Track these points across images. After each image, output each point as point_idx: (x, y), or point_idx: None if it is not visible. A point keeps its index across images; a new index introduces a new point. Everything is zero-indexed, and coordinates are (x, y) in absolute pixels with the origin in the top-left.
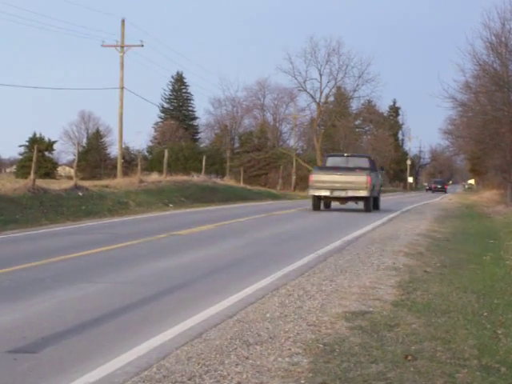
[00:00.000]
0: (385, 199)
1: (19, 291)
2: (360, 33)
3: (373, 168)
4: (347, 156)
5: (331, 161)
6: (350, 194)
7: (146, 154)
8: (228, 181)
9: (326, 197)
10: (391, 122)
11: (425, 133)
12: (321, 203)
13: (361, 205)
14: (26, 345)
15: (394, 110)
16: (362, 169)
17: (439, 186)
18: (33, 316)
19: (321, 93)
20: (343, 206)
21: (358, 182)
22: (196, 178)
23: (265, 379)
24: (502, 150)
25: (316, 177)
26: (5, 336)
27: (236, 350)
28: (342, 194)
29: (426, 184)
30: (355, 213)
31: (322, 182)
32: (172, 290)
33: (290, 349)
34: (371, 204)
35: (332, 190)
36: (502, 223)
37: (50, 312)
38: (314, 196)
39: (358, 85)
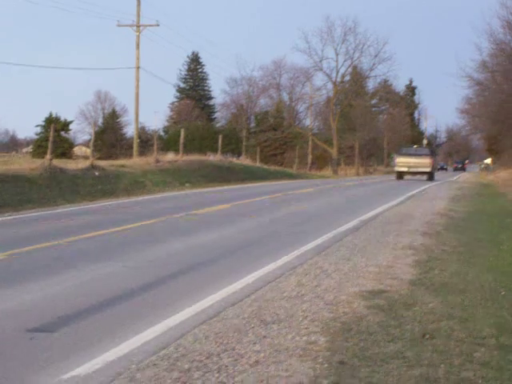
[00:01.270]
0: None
1: (37, 271)
2: (376, 12)
3: (432, 154)
4: (416, 147)
5: (405, 150)
6: (420, 170)
7: (162, 133)
8: (244, 160)
9: (404, 172)
10: (407, 101)
11: (441, 112)
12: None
13: (384, 186)
14: (44, 324)
15: (411, 90)
16: (426, 155)
17: (459, 166)
18: (51, 296)
19: (337, 72)
20: (367, 184)
21: (424, 163)
22: (212, 158)
23: (282, 358)
24: None
25: (398, 159)
26: (23, 315)
27: (253, 329)
28: (414, 170)
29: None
30: (372, 192)
31: (402, 162)
32: (189, 270)
33: (307, 328)
34: (432, 176)
35: (408, 167)
36: None
37: (67, 292)
38: (398, 171)
39: (374, 64)
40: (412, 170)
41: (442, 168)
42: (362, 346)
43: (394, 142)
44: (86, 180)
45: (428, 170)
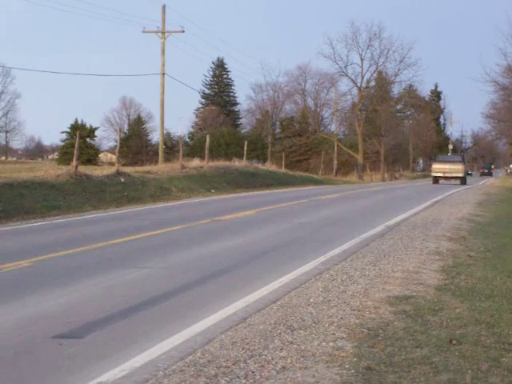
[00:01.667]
0: (427, 184)
1: (63, 277)
2: (401, 17)
3: (463, 161)
4: (450, 155)
5: (440, 158)
6: (453, 175)
7: (188, 139)
8: (269, 166)
9: (440, 177)
10: (433, 106)
11: (466, 117)
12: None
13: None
14: (71, 330)
15: (436, 95)
16: (458, 161)
17: (486, 171)
18: (77, 301)
19: (362, 77)
20: (393, 189)
21: (457, 169)
22: (237, 164)
23: (309, 364)
24: None
25: (435, 165)
26: (50, 321)
27: (280, 335)
28: (449, 175)
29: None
30: (398, 197)
31: (438, 168)
32: (215, 276)
33: (333, 333)
34: (465, 180)
35: (443, 173)
36: None
37: (94, 297)
38: (434, 176)
39: (399, 69)
40: (447, 175)
41: (485, 174)
42: (389, 351)
43: (419, 147)
44: (111, 186)
45: (461, 175)
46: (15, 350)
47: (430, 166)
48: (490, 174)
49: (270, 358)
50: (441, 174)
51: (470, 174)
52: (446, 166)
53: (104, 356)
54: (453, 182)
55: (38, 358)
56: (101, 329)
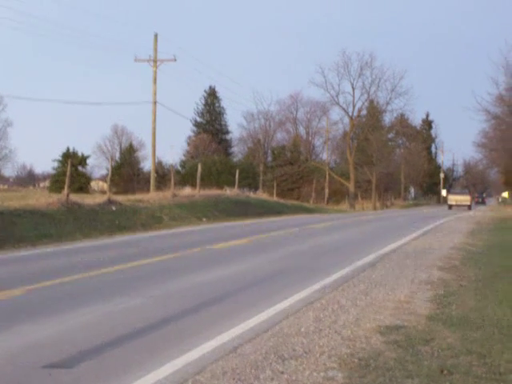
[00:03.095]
0: (418, 212)
1: (56, 305)
2: (392, 46)
3: (470, 193)
4: (460, 189)
5: (453, 191)
6: (463, 203)
7: (179, 168)
8: (261, 195)
9: (453, 204)
10: (424, 135)
11: (458, 146)
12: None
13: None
14: (62, 360)
15: (427, 123)
16: (466, 193)
17: (480, 200)
18: (69, 331)
19: (353, 106)
20: (385, 218)
21: (466, 199)
22: (229, 192)
23: None
24: None
25: (450, 196)
26: (41, 351)
27: (271, 365)
28: (460, 203)
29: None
30: (389, 226)
31: (453, 198)
32: (207, 305)
33: (325, 363)
34: (471, 207)
35: (456, 201)
36: None
37: (86, 326)
38: (449, 204)
39: (390, 98)
40: (458, 203)
41: (479, 202)
42: (380, 382)
43: (410, 176)
44: (103, 215)
45: (468, 203)
46: (3, 381)
47: (425, 194)
48: (483, 203)
49: None
50: (454, 203)
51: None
52: (458, 197)
53: None
54: (461, 208)
55: None
56: (92, 358)
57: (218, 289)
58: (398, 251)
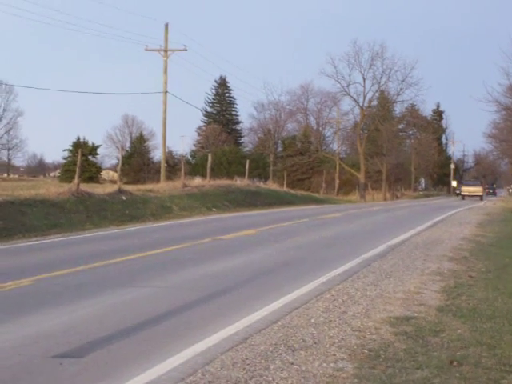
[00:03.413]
0: (428, 203)
1: (64, 296)
2: (404, 36)
3: (482, 184)
4: (472, 180)
5: (466, 182)
6: (476, 194)
7: (190, 158)
8: (271, 185)
9: (466, 195)
10: (435, 125)
11: (469, 137)
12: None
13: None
14: (72, 349)
15: (438, 114)
16: (478, 184)
17: (491, 191)
18: (78, 321)
19: (364, 97)
20: (395, 209)
21: (478, 190)
22: (239, 183)
23: None
24: None
25: (463, 187)
26: (50, 341)
27: (281, 356)
28: (472, 193)
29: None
30: (400, 217)
31: (465, 189)
32: (216, 295)
33: (334, 354)
34: (482, 198)
35: (469, 192)
36: None
37: (95, 317)
38: (462, 195)
39: (401, 89)
40: (471, 193)
41: (490, 193)
42: (390, 373)
43: (421, 166)
44: (113, 205)
45: (480, 193)
46: (14, 370)
47: (436, 185)
48: (494, 194)
49: (270, 378)
50: (467, 193)
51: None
52: (471, 188)
53: (104, 376)
54: (473, 198)
55: (38, 378)
56: (101, 348)
57: (227, 279)
58: (408, 242)
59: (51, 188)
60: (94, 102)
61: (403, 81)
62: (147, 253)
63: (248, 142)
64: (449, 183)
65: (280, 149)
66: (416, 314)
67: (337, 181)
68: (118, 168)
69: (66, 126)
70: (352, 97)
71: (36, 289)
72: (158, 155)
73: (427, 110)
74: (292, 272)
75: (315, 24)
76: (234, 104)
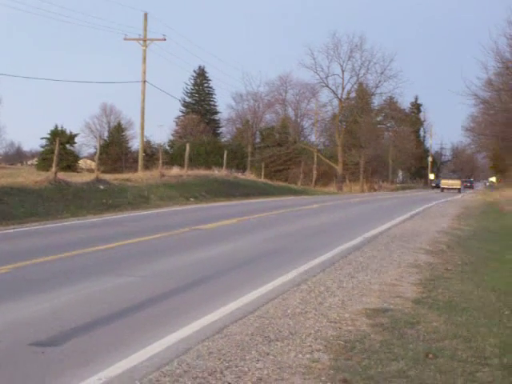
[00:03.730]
0: (406, 196)
1: (44, 283)
2: (383, 29)
3: (460, 177)
4: (451, 173)
5: (444, 176)
6: (454, 186)
7: (168, 147)
8: (249, 176)
9: (445, 187)
10: (413, 118)
11: (446, 130)
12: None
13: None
14: (50, 337)
15: (416, 107)
16: (456, 178)
17: (468, 184)
18: (57, 308)
19: (343, 89)
20: (372, 201)
21: (456, 183)
22: (217, 173)
23: (285, 375)
24: None
25: (442, 181)
26: (29, 328)
27: (257, 346)
28: (451, 186)
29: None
30: (377, 209)
31: (444, 182)
32: (194, 285)
33: (310, 345)
34: (460, 190)
35: (447, 185)
36: None
37: (74, 304)
38: (442, 187)
39: (380, 81)
40: (449, 186)
41: (438, 186)
42: (365, 364)
43: (399, 159)
44: (90, 193)
45: (458, 186)
46: None
47: (413, 177)
48: (472, 187)
49: (246, 369)
50: (446, 186)
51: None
52: (449, 181)
53: (82, 364)
54: (452, 191)
55: (15, 365)
56: (80, 336)
57: (205, 269)
58: (385, 234)
59: (29, 176)
60: (72, 91)
61: (382, 73)
62: (126, 242)
63: (226, 133)
64: (426, 176)
65: (258, 140)
66: (392, 306)
67: (314, 172)
68: (96, 157)
69: (43, 114)
70: (330, 88)
71: (14, 277)
72: (135, 144)
73: (405, 103)
74: (270, 262)
75: (294, 15)
76: (212, 94)
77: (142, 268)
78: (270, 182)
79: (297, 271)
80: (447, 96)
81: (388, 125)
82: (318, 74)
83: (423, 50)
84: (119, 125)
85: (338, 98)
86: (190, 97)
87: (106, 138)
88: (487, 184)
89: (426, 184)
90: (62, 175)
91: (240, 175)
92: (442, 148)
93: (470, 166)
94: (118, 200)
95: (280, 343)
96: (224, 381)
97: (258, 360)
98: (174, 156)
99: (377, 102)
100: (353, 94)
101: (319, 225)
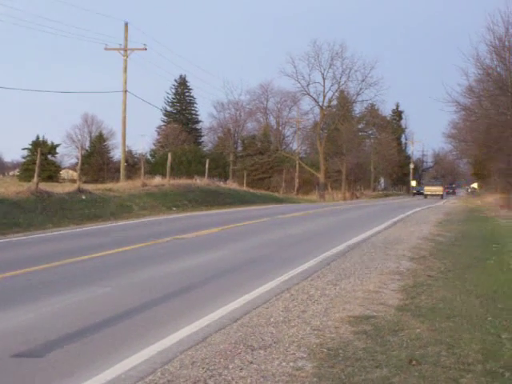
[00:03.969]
0: (388, 203)
1: (25, 295)
2: (363, 37)
3: (442, 184)
4: (433, 180)
5: (428, 183)
6: (436, 193)
7: (149, 157)
8: (231, 184)
9: (428, 194)
10: (394, 125)
11: (428, 137)
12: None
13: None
14: (31, 349)
15: (397, 114)
16: (439, 185)
17: (451, 190)
18: (39, 320)
19: (324, 96)
20: (354, 209)
21: (438, 189)
22: (199, 182)
23: None
24: (506, 154)
25: (426, 187)
26: (10, 340)
27: (240, 355)
28: (434, 193)
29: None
30: (360, 216)
31: (428, 189)
32: (176, 294)
33: (294, 353)
34: (443, 196)
35: (431, 191)
36: (505, 227)
37: (56, 316)
38: (425, 194)
39: (361, 88)
40: (432, 193)
41: (418, 193)
42: (349, 371)
43: (380, 166)
44: (73, 204)
45: (441, 193)
46: None
47: (395, 185)
48: (453, 193)
49: (229, 378)
50: (429, 193)
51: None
52: (432, 188)
53: (64, 375)
54: (435, 197)
55: None
56: (61, 347)
57: (188, 278)
58: (368, 241)
59: (10, 187)
60: (53, 101)
61: (363, 81)
62: (108, 252)
63: (208, 142)
64: (408, 183)
65: (240, 148)
66: (375, 313)
67: (296, 180)
68: (78, 167)
69: (25, 124)
70: (312, 96)
71: None
72: (117, 154)
73: (387, 110)
74: (253, 271)
75: (275, 23)
76: (193, 103)
77: (123, 278)
78: (252, 190)
79: (279, 279)
80: (428, 103)
81: (369, 132)
82: (299, 82)
83: (404, 57)
84: (101, 135)
85: (319, 105)
86: (171, 106)
87: (87, 148)
88: (469, 190)
89: (408, 191)
90: (43, 186)
91: (222, 184)
92: (423, 155)
93: (452, 173)
94: (100, 210)
95: (263, 352)
96: None
97: (242, 369)
98: (155, 165)
99: (358, 109)
100: (334, 102)
101: (302, 233)
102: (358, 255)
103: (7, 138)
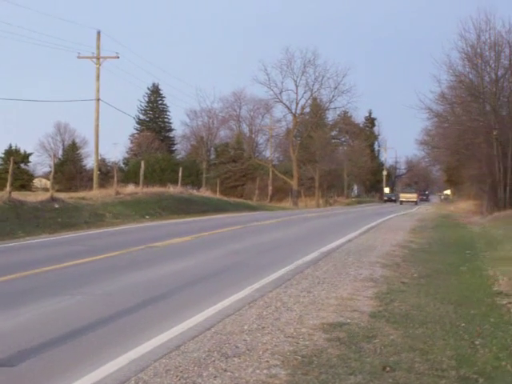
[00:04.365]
0: (361, 210)
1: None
2: (336, 44)
3: (416, 192)
4: (409, 188)
5: (403, 190)
6: (411, 199)
7: (122, 165)
8: (204, 192)
9: (403, 201)
10: (367, 132)
11: (401, 143)
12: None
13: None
14: (3, 358)
15: (370, 121)
16: (413, 192)
17: (424, 197)
18: (11, 329)
19: (297, 104)
20: (328, 216)
21: (413, 196)
22: (172, 190)
23: None
24: (478, 160)
25: (401, 194)
26: None
27: (214, 363)
28: (409, 199)
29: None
30: (333, 223)
31: (403, 196)
32: (150, 302)
33: (267, 361)
34: (417, 203)
35: (405, 198)
36: (478, 233)
37: (28, 324)
38: (401, 200)
39: (333, 96)
40: (408, 199)
41: (390, 200)
42: (323, 379)
43: (353, 173)
44: (45, 212)
45: (415, 199)
46: None
47: (368, 191)
48: (427, 200)
49: None
50: (404, 199)
51: (394, 201)
52: (407, 195)
53: None
54: (409, 203)
55: None
56: (34, 357)
57: (161, 287)
58: (341, 249)
59: None
60: (25, 110)
61: (335, 88)
62: (81, 260)
63: (181, 150)
64: (381, 190)
65: (213, 156)
66: (349, 320)
67: (270, 188)
68: (51, 176)
69: None
70: (285, 104)
71: None
72: (90, 163)
73: (360, 117)
74: (226, 279)
75: (247, 31)
76: (166, 111)
77: (96, 287)
78: (225, 198)
79: (253, 287)
80: (401, 110)
81: (342, 139)
82: (272, 90)
83: (377, 64)
84: (73, 143)
85: (292, 113)
86: (144, 114)
87: (60, 156)
88: (442, 197)
89: (382, 198)
90: (16, 194)
91: (195, 192)
92: (396, 162)
93: (425, 179)
94: (74, 219)
95: (237, 359)
96: None
97: (216, 376)
98: (129, 174)
99: (331, 116)
100: (307, 109)
101: (275, 240)
102: (331, 262)
103: None
